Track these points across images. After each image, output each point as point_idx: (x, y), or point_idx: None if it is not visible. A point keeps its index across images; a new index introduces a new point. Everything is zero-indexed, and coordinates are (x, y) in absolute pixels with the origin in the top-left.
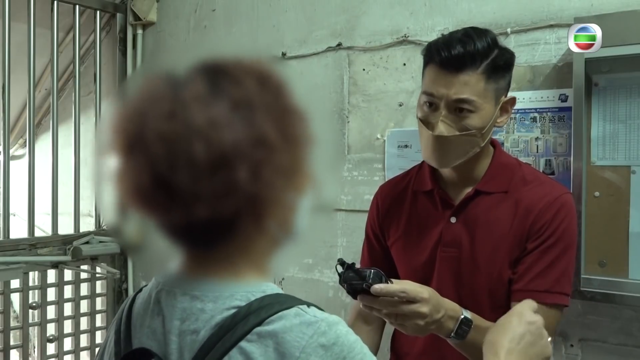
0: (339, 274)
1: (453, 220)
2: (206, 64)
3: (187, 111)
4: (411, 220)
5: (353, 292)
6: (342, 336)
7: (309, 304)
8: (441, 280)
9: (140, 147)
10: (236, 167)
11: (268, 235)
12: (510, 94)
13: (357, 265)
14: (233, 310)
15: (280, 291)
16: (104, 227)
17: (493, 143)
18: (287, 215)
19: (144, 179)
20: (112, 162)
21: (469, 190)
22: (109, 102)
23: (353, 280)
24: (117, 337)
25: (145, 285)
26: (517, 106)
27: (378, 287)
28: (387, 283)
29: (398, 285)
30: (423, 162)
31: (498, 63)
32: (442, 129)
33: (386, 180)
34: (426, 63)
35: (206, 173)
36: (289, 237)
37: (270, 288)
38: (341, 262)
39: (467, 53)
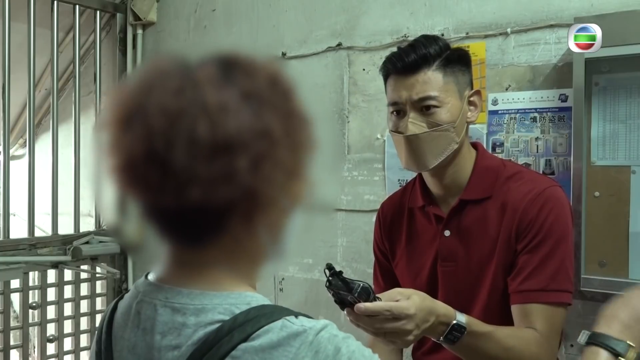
0: (327, 278)
1: (447, 233)
2: (220, 54)
3: (197, 90)
4: (410, 239)
5: (340, 302)
6: (324, 341)
7: (297, 314)
8: (446, 294)
9: (140, 118)
10: (238, 154)
11: (256, 241)
12: (511, 94)
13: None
14: (216, 325)
15: (267, 301)
16: (104, 227)
17: (476, 146)
18: (279, 220)
19: (137, 152)
20: (107, 136)
21: (455, 200)
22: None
23: (341, 290)
24: (98, 348)
25: (128, 291)
26: (517, 106)
27: (362, 306)
28: (375, 299)
29: (382, 304)
30: (416, 177)
31: (452, 58)
32: (412, 128)
33: (386, 180)
34: (385, 77)
35: (206, 155)
36: (276, 246)
37: (256, 299)
38: (329, 267)
39: (420, 56)
